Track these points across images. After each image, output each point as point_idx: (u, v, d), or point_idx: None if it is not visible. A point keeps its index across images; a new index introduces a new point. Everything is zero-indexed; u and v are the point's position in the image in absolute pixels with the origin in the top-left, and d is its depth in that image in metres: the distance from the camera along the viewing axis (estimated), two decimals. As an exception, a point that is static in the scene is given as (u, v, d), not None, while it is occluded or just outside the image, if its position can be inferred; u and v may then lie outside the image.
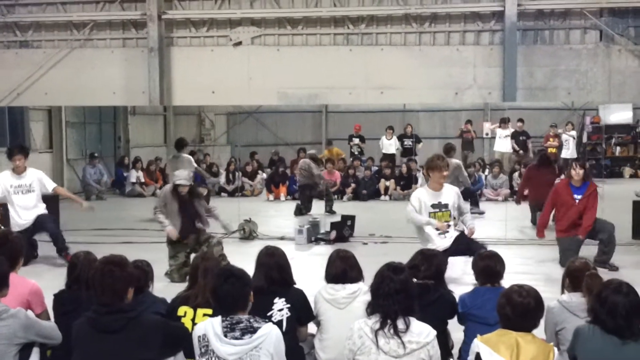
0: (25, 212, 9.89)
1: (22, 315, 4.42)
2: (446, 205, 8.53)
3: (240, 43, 12.82)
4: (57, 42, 13.25)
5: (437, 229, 8.42)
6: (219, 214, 9.66)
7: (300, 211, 15.13)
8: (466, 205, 9.08)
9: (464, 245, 8.29)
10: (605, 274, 8.73)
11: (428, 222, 8.46)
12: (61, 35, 13.27)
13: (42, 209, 10.07)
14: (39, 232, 10.13)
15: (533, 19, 12.24)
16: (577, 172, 9.59)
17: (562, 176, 17.70)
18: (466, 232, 8.62)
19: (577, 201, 9.56)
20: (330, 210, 15.00)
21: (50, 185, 10.18)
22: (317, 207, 15.18)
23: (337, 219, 12.51)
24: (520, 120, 19.94)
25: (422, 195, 8.60)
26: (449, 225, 8.45)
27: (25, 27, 13.36)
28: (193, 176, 9.24)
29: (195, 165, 14.26)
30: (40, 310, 5.17)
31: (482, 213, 14.65)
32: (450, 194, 8.62)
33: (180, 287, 5.65)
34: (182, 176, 9.01)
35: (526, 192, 13.12)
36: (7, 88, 13.06)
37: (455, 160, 14.27)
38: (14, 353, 4.35)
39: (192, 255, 9.03)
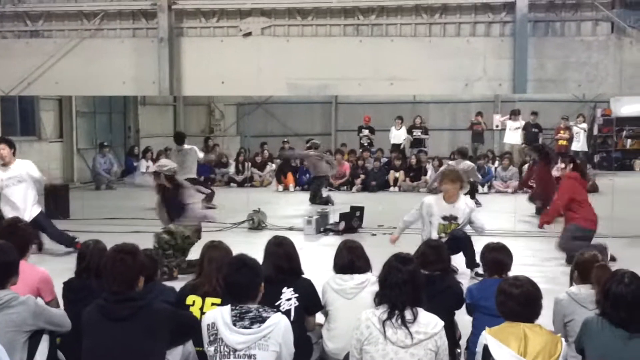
0: (17, 203, 9.64)
1: (31, 302, 4.44)
2: (456, 218, 8.54)
3: (250, 34, 12.80)
4: (67, 32, 13.28)
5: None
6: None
7: (315, 199, 15.24)
8: (478, 217, 8.91)
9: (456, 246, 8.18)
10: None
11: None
12: (72, 25, 13.30)
13: (33, 201, 9.84)
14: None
15: (544, 11, 12.17)
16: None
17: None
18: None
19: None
20: (313, 200, 15.08)
21: (37, 174, 9.92)
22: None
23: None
24: (534, 112, 19.89)
25: (433, 205, 8.60)
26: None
27: (36, 16, 13.39)
28: (174, 169, 9.25)
29: (202, 155, 14.21)
30: (50, 298, 5.20)
31: (478, 204, 14.72)
32: (463, 209, 8.58)
33: (189, 276, 5.67)
34: (163, 166, 9.04)
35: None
36: (17, 77, 13.10)
37: (469, 163, 14.73)
38: (24, 340, 4.37)
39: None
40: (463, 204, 8.65)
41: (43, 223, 9.88)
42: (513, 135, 19.69)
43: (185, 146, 13.89)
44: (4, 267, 4.42)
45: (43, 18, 13.37)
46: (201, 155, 14.20)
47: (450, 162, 15.87)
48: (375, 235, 11.39)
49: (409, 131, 19.89)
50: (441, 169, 9.96)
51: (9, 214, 9.49)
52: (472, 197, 14.93)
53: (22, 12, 13.37)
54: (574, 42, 12.02)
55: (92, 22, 13.16)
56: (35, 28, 13.39)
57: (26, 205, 9.69)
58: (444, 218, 8.52)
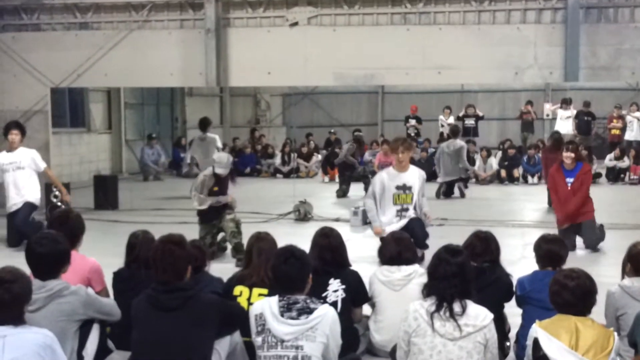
0: (16, 189, 9.84)
1: (82, 292, 4.50)
2: (410, 188, 8.29)
3: (296, 23, 12.76)
4: (116, 24, 13.40)
5: (375, 233, 8.28)
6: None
7: (344, 193, 15.25)
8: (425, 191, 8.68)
9: (410, 231, 7.60)
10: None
11: (372, 220, 8.43)
12: (120, 16, 13.42)
13: (33, 189, 10.00)
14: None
15: (597, -3, 11.89)
16: (567, 155, 9.37)
17: (626, 159, 17.42)
18: (423, 217, 8.42)
19: (569, 185, 9.33)
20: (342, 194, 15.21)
21: (42, 165, 10.11)
22: (356, 189, 15.25)
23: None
24: (587, 102, 19.56)
25: (384, 177, 8.41)
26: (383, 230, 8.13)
27: (85, 9, 13.55)
28: (232, 161, 9.22)
29: (220, 145, 14.18)
30: (100, 288, 5.27)
31: (463, 196, 15.25)
32: (414, 177, 8.37)
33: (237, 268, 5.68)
34: (222, 164, 8.99)
35: None
36: (67, 69, 13.29)
37: (460, 142, 15.18)
38: (75, 329, 4.43)
39: (220, 235, 9.14)
40: (415, 172, 8.43)
41: (21, 214, 9.83)
42: (564, 125, 19.35)
43: (209, 134, 13.92)
44: (56, 256, 4.48)
45: (92, 10, 13.52)
46: (220, 145, 14.16)
47: (442, 144, 15.81)
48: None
49: (461, 119, 19.66)
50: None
51: (9, 196, 9.85)
52: (465, 186, 15.46)
53: (72, 4, 13.54)
54: (627, 28, 11.69)
55: (140, 14, 13.26)
56: (85, 20, 13.55)
57: (22, 191, 9.86)
58: (397, 187, 8.27)
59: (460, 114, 19.99)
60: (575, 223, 9.36)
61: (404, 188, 8.28)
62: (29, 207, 9.94)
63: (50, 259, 4.44)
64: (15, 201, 9.89)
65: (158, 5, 13.22)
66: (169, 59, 13.02)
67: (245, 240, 8.56)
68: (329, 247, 5.39)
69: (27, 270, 4.18)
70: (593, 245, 9.36)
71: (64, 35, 13.56)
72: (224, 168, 8.98)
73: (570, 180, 9.37)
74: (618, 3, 11.79)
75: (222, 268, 7.16)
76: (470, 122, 19.52)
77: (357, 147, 16.19)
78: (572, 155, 9.37)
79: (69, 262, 4.61)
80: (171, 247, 4.34)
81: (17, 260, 4.54)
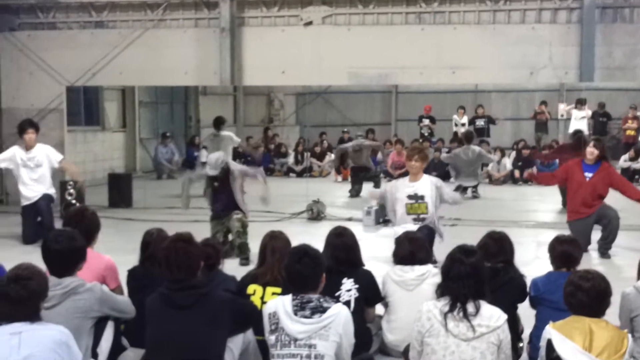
0: (33, 185, 10.10)
1: (97, 289, 4.53)
2: (422, 197, 8.14)
3: (311, 23, 12.78)
4: (131, 23, 13.47)
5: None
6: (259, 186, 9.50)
7: (357, 192, 15.26)
8: (446, 190, 8.54)
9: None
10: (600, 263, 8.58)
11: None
12: (135, 15, 13.48)
13: (49, 185, 10.27)
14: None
15: (612, -4, 11.83)
16: (591, 151, 9.24)
17: (640, 159, 17.33)
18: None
19: (587, 179, 9.18)
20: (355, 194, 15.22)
21: (58, 158, 10.38)
22: (367, 189, 15.23)
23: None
24: (601, 104, 19.46)
25: (397, 186, 8.34)
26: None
27: (101, 7, 13.62)
28: (224, 160, 9.16)
29: (238, 140, 14.22)
30: (115, 285, 5.30)
31: (476, 196, 15.36)
32: (426, 186, 8.20)
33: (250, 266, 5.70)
34: (211, 164, 8.99)
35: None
36: (82, 68, 13.36)
37: (476, 148, 15.16)
38: (90, 326, 4.46)
39: (230, 235, 9.11)
40: (427, 182, 8.25)
41: (43, 206, 10.09)
42: (579, 125, 19.20)
43: (222, 132, 13.97)
44: (72, 253, 4.51)
45: (108, 9, 13.59)
46: (237, 139, 14.22)
47: (456, 150, 15.67)
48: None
49: (471, 121, 19.61)
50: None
51: (24, 192, 10.10)
52: (474, 188, 15.42)
53: (87, 3, 13.62)
54: (643, 29, 11.66)
55: (156, 13, 13.32)
56: (100, 19, 13.62)
57: (39, 186, 10.11)
58: (409, 197, 8.13)
59: (471, 117, 19.95)
60: (587, 215, 9.22)
61: (416, 197, 8.14)
62: (48, 197, 10.22)
63: (67, 256, 4.47)
64: (33, 194, 10.11)
65: (173, 4, 13.28)
66: (184, 57, 13.06)
67: (250, 241, 8.69)
68: (343, 246, 5.40)
69: (42, 267, 4.21)
70: (616, 224, 9.12)
71: (79, 33, 13.64)
72: (213, 169, 8.98)
73: (589, 174, 9.21)
74: (634, 3, 11.74)
75: (229, 267, 7.17)
76: (480, 123, 19.45)
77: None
78: (597, 151, 9.25)
79: (85, 260, 4.63)
80: (182, 244, 4.37)
81: (33, 256, 4.57)
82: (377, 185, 15.05)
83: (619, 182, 9.41)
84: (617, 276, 7.42)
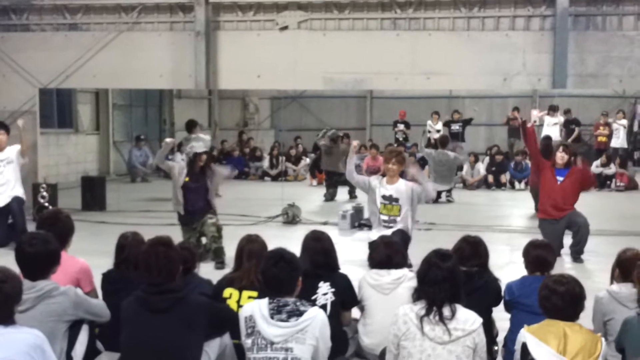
0: (4, 182, 10.05)
1: (72, 292, 4.50)
2: (397, 200, 8.14)
3: (286, 27, 12.77)
4: (105, 25, 13.36)
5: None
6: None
7: (332, 196, 15.29)
8: (419, 190, 8.27)
9: None
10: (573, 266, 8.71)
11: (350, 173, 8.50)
12: (110, 18, 13.38)
13: (19, 186, 10.20)
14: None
15: (585, 5, 11.95)
16: (561, 156, 9.48)
17: (612, 165, 17.55)
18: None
19: (559, 182, 9.38)
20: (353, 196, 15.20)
21: (16, 148, 10.22)
22: (344, 192, 15.46)
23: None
24: (567, 110, 19.70)
25: (377, 183, 8.30)
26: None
27: (75, 10, 13.50)
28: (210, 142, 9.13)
29: (206, 137, 14.17)
30: (89, 289, 5.25)
31: (450, 200, 15.37)
32: (402, 190, 8.14)
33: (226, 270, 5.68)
34: (206, 142, 8.94)
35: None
36: (56, 70, 13.23)
37: (451, 154, 15.27)
38: (64, 330, 4.43)
39: (203, 239, 9.02)
40: (403, 185, 8.19)
41: (16, 208, 10.05)
42: (551, 131, 19.40)
43: (199, 135, 13.89)
44: (46, 256, 4.47)
45: (82, 11, 13.47)
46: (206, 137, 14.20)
47: (432, 151, 15.72)
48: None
49: (447, 124, 19.73)
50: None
51: None
52: (449, 192, 15.45)
53: (61, 5, 13.48)
54: (615, 36, 11.78)
55: (130, 16, 13.23)
56: (74, 21, 13.49)
57: (13, 185, 10.08)
58: (384, 197, 8.14)
59: (446, 120, 20.07)
60: (557, 218, 9.37)
61: (390, 199, 8.16)
62: (18, 200, 10.14)
63: (41, 259, 4.43)
64: (4, 196, 10.02)
65: (148, 7, 13.20)
66: (159, 61, 12.98)
67: (225, 245, 8.66)
68: (321, 250, 5.41)
69: (16, 270, 4.17)
70: (585, 231, 9.28)
71: (53, 35, 13.51)
72: (204, 147, 8.96)
73: (560, 178, 9.40)
74: (606, 11, 11.88)
75: (204, 270, 7.14)
76: (456, 127, 19.59)
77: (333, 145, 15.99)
78: (567, 156, 9.45)
79: (59, 263, 4.60)
80: (163, 248, 4.35)
81: (5, 259, 4.53)
82: (352, 189, 15.07)
83: (585, 174, 9.77)
84: (590, 280, 7.51)
